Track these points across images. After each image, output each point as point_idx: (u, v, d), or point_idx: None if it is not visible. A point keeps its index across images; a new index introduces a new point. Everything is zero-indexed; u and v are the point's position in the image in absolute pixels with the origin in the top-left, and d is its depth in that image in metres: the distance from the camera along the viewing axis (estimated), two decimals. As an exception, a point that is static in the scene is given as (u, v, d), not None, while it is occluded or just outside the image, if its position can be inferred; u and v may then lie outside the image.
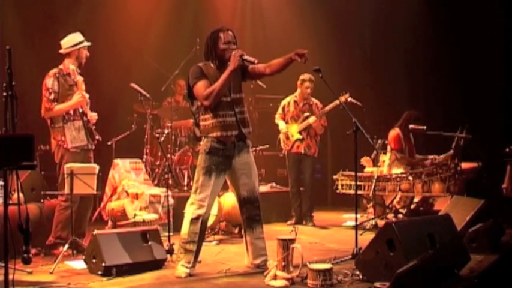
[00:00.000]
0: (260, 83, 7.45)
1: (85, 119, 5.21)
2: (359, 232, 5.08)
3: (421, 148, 7.00)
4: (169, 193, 5.47)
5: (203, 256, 4.70)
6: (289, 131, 6.98)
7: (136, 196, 6.11)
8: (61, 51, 5.21)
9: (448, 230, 4.28)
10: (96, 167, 4.98)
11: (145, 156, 7.38)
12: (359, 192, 6.42)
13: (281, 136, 7.10)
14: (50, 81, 5.09)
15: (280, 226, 6.83)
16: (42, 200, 5.66)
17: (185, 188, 7.25)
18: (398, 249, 3.81)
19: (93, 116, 5.30)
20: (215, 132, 4.35)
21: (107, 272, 4.27)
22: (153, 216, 5.86)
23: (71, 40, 5.20)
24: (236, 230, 6.29)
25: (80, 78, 5.26)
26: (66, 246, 4.77)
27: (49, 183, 6.08)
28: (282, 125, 7.04)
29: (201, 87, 4.31)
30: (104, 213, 6.20)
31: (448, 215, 4.51)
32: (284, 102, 7.12)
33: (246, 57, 4.30)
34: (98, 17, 7.67)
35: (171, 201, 5.85)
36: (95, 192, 5.00)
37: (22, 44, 6.94)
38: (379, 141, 6.91)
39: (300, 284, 4.04)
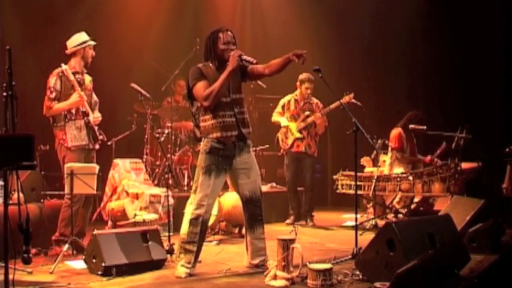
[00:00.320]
0: (260, 83, 7.45)
1: (86, 118, 5.21)
2: (359, 232, 5.07)
3: (421, 148, 7.00)
4: (169, 193, 5.48)
5: (203, 256, 4.70)
6: (289, 129, 6.97)
7: (137, 196, 6.11)
8: (67, 51, 5.22)
9: (448, 230, 4.28)
10: (96, 167, 4.97)
11: (145, 156, 7.38)
12: (359, 192, 6.42)
13: (279, 135, 7.08)
14: (52, 80, 5.11)
15: (280, 226, 6.83)
16: (42, 200, 5.65)
17: (185, 188, 7.26)
18: (398, 249, 3.81)
19: (96, 117, 5.30)
20: (215, 132, 4.34)
21: (107, 272, 4.27)
22: (153, 216, 5.86)
23: (77, 39, 5.21)
24: (236, 230, 6.29)
25: (88, 78, 5.29)
26: (67, 246, 4.77)
27: (49, 183, 6.09)
28: (284, 121, 6.96)
29: (200, 88, 4.31)
30: (104, 213, 6.20)
31: (448, 215, 4.51)
32: (284, 100, 7.08)
33: (245, 57, 4.29)
34: (98, 17, 7.67)
35: (171, 201, 5.85)
36: (95, 192, 5.00)
37: (22, 44, 6.94)
38: (379, 141, 6.88)
39: (300, 284, 4.04)
